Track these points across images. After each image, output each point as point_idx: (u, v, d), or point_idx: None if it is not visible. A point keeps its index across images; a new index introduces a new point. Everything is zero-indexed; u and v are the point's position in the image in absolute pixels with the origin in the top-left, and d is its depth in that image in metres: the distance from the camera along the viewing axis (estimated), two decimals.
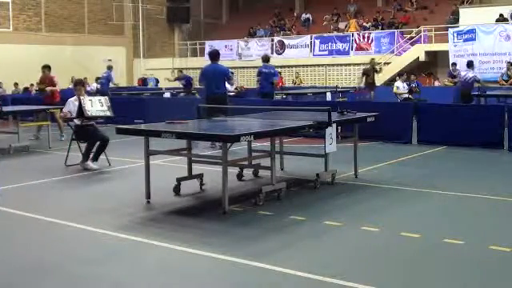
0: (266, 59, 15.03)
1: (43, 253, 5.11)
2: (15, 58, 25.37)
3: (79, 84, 9.92)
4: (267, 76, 14.71)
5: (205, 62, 30.96)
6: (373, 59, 19.53)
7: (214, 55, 11.89)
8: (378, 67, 19.59)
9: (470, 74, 14.76)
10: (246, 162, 8.10)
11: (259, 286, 4.33)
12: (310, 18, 30.52)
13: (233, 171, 7.83)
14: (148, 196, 6.79)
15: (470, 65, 15.41)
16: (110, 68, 20.47)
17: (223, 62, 29.42)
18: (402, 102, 16.05)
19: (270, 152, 6.91)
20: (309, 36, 27.50)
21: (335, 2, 30.08)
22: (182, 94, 19.99)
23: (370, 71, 18.31)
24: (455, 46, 21.96)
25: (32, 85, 25.48)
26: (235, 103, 13.52)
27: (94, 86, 21.95)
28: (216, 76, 11.43)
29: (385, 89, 20.42)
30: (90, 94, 15.84)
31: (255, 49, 28.58)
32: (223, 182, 6.14)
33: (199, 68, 22.69)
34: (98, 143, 9.20)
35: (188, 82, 20.22)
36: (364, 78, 18.39)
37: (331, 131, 7.14)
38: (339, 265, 4.66)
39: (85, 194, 7.59)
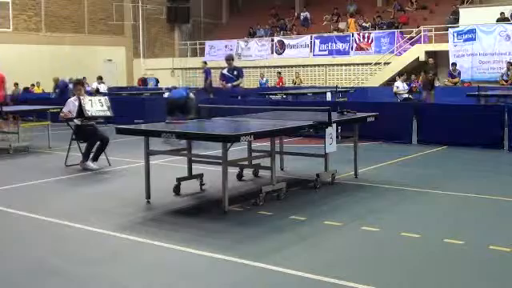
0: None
1: (43, 253, 5.11)
2: (15, 57, 25.37)
3: (79, 84, 9.93)
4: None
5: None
6: (430, 58, 19.78)
7: None
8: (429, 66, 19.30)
9: None
10: (246, 162, 8.10)
11: (259, 286, 4.33)
12: (309, 17, 30.50)
13: (233, 171, 7.83)
14: (148, 196, 6.79)
15: None
16: (70, 81, 18.49)
17: (223, 62, 29.42)
18: (402, 102, 16.05)
19: (270, 152, 6.91)
20: (309, 36, 27.49)
21: (335, 2, 30.07)
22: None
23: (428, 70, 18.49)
24: (455, 45, 21.97)
25: (33, 85, 25.53)
26: (234, 103, 13.53)
27: (94, 85, 22.01)
28: None
29: (385, 89, 20.45)
30: (90, 94, 15.86)
31: (255, 49, 28.59)
32: (223, 182, 6.14)
33: (199, 68, 22.78)
34: (97, 143, 9.21)
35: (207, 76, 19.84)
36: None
37: (331, 131, 7.14)
38: (339, 265, 4.66)
39: (85, 194, 7.59)
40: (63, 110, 9.74)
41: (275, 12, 32.41)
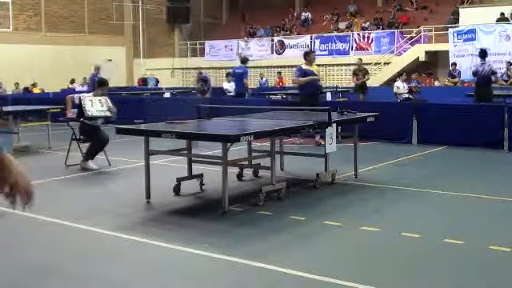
0: (244, 60, 16.55)
1: (43, 253, 5.11)
2: (15, 58, 25.38)
3: (107, 84, 9.86)
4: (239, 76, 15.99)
5: (204, 61, 31.03)
6: (360, 59, 19.39)
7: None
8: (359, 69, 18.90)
9: (487, 67, 12.72)
10: (245, 162, 8.10)
11: (259, 285, 4.33)
12: (309, 17, 30.52)
13: (233, 171, 7.83)
14: (148, 196, 6.79)
15: (483, 55, 12.99)
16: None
17: (223, 62, 29.35)
18: (402, 101, 16.06)
19: (270, 152, 6.91)
20: (309, 36, 27.50)
21: (335, 2, 30.08)
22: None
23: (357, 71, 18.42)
24: (455, 45, 21.96)
25: (33, 85, 25.52)
26: (235, 103, 13.53)
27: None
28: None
29: (385, 89, 20.44)
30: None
31: (255, 49, 28.60)
32: (223, 182, 6.14)
33: (199, 68, 22.78)
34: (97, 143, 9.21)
35: (206, 82, 20.29)
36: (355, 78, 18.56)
37: (331, 131, 7.14)
38: (339, 265, 4.66)
39: (85, 194, 7.59)
40: (73, 95, 9.79)
41: (246, 15, 32.82)
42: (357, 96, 17.90)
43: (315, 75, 11.58)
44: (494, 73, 13.01)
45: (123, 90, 24.85)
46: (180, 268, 4.70)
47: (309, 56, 11.87)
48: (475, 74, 12.99)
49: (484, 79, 12.79)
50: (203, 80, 20.47)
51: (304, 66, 11.67)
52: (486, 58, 13.16)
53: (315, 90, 11.62)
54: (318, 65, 26.02)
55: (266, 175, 7.65)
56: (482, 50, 13.61)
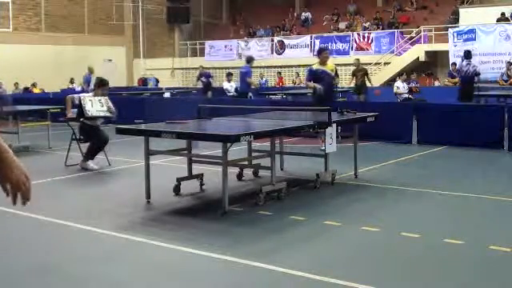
0: (248, 60, 16.92)
1: (43, 253, 5.11)
2: (15, 58, 25.38)
3: (107, 84, 9.79)
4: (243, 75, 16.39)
5: (204, 61, 31.03)
6: (357, 59, 18.70)
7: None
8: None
9: (471, 68, 13.29)
10: (246, 162, 8.10)
11: (259, 285, 4.33)
12: (309, 17, 30.53)
13: (233, 171, 7.83)
14: (148, 196, 6.79)
15: (468, 55, 13.64)
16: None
17: (223, 62, 29.28)
18: (402, 101, 16.06)
19: (270, 152, 6.91)
20: (309, 36, 27.51)
21: (335, 2, 30.09)
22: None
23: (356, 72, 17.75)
24: (455, 45, 21.96)
25: (33, 85, 25.53)
26: (235, 103, 13.53)
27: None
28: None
29: (385, 89, 20.43)
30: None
31: (255, 49, 28.60)
32: (223, 182, 6.14)
33: (199, 68, 22.76)
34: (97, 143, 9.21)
35: (208, 78, 20.46)
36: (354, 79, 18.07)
37: (331, 131, 7.14)
38: (339, 265, 4.66)
39: (85, 194, 7.59)
40: (73, 95, 9.77)
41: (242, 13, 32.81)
42: (356, 97, 17.57)
43: (328, 75, 10.64)
44: (477, 74, 13.43)
45: (123, 90, 24.86)
46: (180, 268, 4.70)
47: (320, 55, 10.96)
48: (458, 73, 13.44)
49: (467, 79, 13.24)
50: (207, 75, 20.58)
51: (315, 67, 10.76)
52: (471, 59, 13.76)
53: (325, 91, 10.52)
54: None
55: (266, 175, 7.65)
56: (466, 51, 14.18)
